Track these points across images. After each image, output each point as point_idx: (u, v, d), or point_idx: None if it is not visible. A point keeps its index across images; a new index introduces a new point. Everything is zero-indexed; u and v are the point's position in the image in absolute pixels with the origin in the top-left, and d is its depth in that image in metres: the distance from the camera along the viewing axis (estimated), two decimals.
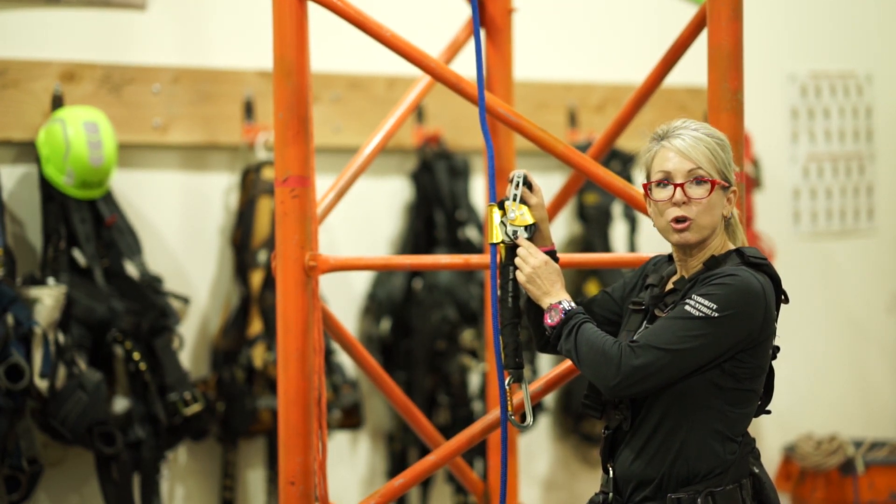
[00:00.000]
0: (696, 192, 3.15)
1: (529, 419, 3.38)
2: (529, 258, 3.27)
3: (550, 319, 3.21)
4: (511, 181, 3.33)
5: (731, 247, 3.21)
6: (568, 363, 3.87)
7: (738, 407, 3.12)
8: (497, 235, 3.33)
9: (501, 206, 3.33)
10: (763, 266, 3.14)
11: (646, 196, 3.24)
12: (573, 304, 3.22)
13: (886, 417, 7.00)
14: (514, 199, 3.32)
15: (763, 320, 3.10)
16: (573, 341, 3.15)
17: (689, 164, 3.15)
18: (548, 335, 3.24)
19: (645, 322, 3.22)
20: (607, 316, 3.35)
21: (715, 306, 3.04)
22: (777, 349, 3.24)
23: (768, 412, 3.28)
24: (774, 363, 3.26)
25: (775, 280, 3.17)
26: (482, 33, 4.52)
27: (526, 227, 3.32)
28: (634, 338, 3.11)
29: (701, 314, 3.05)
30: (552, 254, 3.34)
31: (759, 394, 3.17)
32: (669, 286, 3.25)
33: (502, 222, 3.32)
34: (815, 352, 6.80)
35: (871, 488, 6.20)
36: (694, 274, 3.17)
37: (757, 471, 3.18)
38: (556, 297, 3.23)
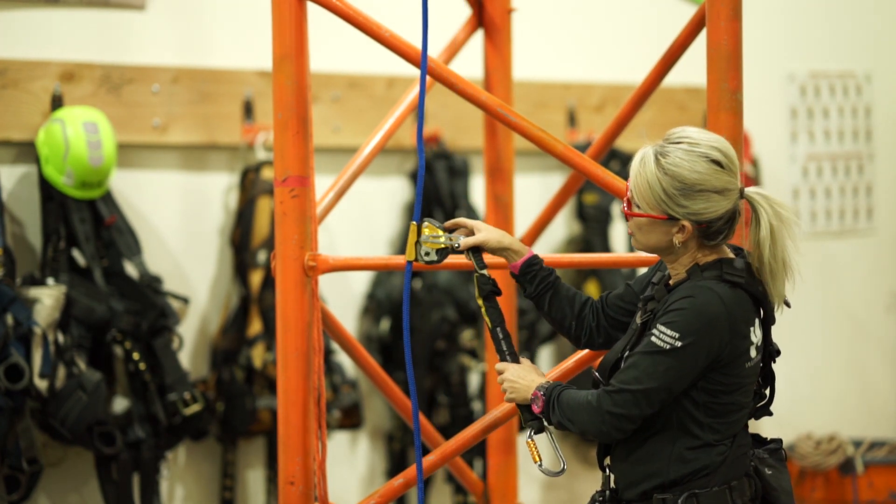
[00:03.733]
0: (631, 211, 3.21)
1: (563, 466, 3.32)
2: (500, 375, 3.30)
3: (537, 408, 3.21)
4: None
5: (722, 255, 3.18)
6: (569, 362, 3.89)
7: (718, 417, 3.12)
8: (411, 254, 3.37)
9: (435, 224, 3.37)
10: (740, 284, 3.13)
11: None
12: (546, 382, 3.22)
13: (886, 417, 7.00)
14: (432, 223, 3.36)
15: (730, 338, 3.09)
16: (559, 412, 3.17)
17: (630, 185, 3.19)
18: (541, 425, 3.23)
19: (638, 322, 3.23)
20: (629, 308, 3.35)
21: (677, 335, 3.06)
22: (777, 352, 3.23)
23: (770, 414, 3.27)
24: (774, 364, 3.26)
25: (755, 297, 3.15)
26: (481, 33, 4.52)
27: (437, 251, 3.35)
28: (612, 381, 3.12)
29: (667, 345, 3.07)
30: (533, 259, 3.35)
31: (743, 404, 3.16)
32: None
33: (418, 242, 3.36)
34: (815, 351, 6.80)
35: (871, 488, 6.20)
36: (677, 282, 3.18)
37: (769, 472, 3.19)
38: (533, 387, 3.23)
